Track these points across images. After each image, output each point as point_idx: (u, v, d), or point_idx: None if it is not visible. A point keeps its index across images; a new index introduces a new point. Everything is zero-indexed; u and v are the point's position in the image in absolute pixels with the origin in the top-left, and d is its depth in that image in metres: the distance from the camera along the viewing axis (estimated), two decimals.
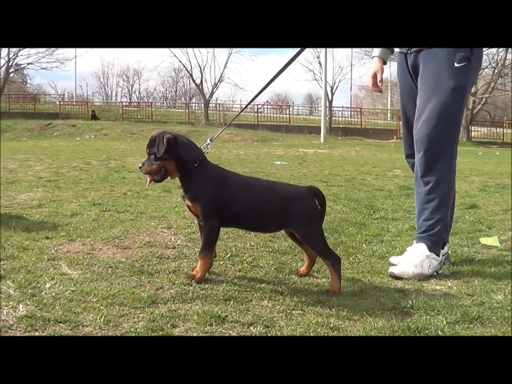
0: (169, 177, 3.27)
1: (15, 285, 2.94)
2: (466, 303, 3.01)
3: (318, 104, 46.66)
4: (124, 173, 9.65)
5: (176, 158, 3.13)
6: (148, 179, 3.20)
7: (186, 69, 43.90)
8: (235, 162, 13.38)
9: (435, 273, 3.60)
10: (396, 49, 3.96)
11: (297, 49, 3.86)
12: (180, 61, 44.51)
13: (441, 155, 3.64)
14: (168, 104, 55.28)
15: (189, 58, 44.11)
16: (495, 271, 3.66)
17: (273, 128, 33.98)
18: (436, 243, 3.69)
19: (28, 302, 2.72)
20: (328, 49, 28.09)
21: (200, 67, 42.24)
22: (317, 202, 3.32)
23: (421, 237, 3.71)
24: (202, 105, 41.91)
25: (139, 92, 72.90)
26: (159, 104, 51.68)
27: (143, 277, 3.20)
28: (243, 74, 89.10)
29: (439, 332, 2.57)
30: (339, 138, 33.20)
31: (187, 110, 41.03)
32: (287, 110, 38.58)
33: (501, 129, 33.93)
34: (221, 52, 53.00)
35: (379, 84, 4.04)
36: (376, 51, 4.07)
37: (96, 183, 7.99)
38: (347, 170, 11.82)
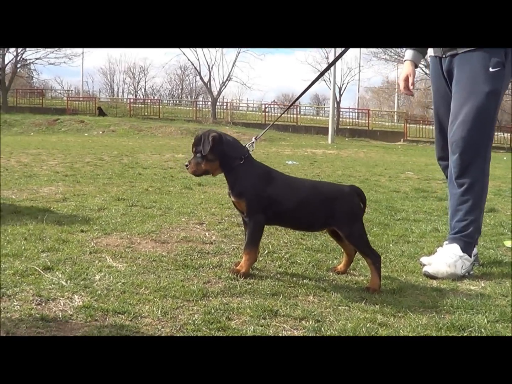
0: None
1: (65, 277, 3.00)
2: (502, 303, 3.06)
3: (324, 104, 46.65)
4: (139, 170, 9.70)
5: (221, 156, 3.20)
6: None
7: (195, 67, 43.79)
8: None
9: (467, 274, 3.65)
10: (430, 53, 4.00)
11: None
12: (188, 59, 44.55)
13: (475, 157, 3.69)
14: (174, 101, 55.34)
15: (197, 56, 44.25)
16: None
17: (281, 128, 33.90)
18: (469, 244, 3.75)
19: (83, 293, 2.78)
20: (337, 49, 27.96)
21: (208, 65, 42.21)
22: (359, 201, 3.38)
23: (455, 238, 3.77)
24: (209, 103, 41.97)
25: (145, 89, 73.07)
26: (166, 101, 51.61)
27: (188, 271, 3.26)
28: (251, 73, 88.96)
29: (482, 330, 2.62)
30: (346, 139, 33.19)
31: (194, 108, 41.02)
32: (295, 110, 38.59)
33: (508, 134, 33.86)
34: (230, 51, 53.05)
35: (411, 87, 4.10)
36: (408, 54, 4.13)
37: (114, 179, 8.04)
38: (360, 171, 11.86)
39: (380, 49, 36.87)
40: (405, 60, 4.18)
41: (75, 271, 3.11)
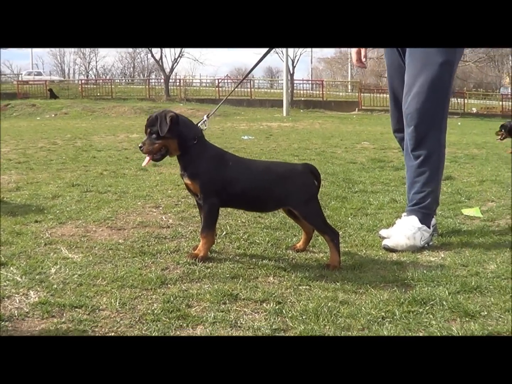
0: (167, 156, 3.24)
1: (20, 272, 2.92)
2: (462, 274, 3.08)
3: (278, 77, 46.53)
4: (93, 153, 9.57)
5: (178, 136, 3.13)
6: (147, 158, 3.19)
7: None
8: None
9: (426, 245, 3.66)
10: None
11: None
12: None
13: (431, 129, 3.69)
14: (127, 80, 54.66)
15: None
16: (483, 241, 3.74)
17: (235, 102, 33.74)
18: (427, 215, 3.76)
19: (38, 288, 2.70)
20: None
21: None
22: (313, 179, 3.35)
23: (413, 210, 3.78)
24: (162, 80, 41.53)
25: (96, 69, 72.20)
26: (118, 81, 50.98)
27: (146, 258, 3.21)
28: (203, 49, 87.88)
29: (444, 303, 2.62)
30: (301, 111, 33.23)
31: (147, 86, 40.56)
32: (248, 84, 38.40)
33: (462, 99, 34.27)
34: None
35: (363, 60, 4.07)
36: None
37: (68, 164, 7.91)
38: (315, 143, 11.86)
39: None
40: None
41: (30, 265, 3.02)
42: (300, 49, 41.48)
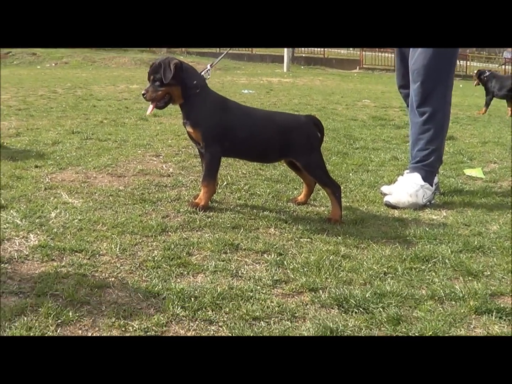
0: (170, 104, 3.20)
1: (20, 215, 2.89)
2: (465, 233, 3.07)
3: None
4: (93, 102, 9.46)
5: (181, 84, 3.08)
6: (151, 106, 3.14)
7: None
8: None
9: (428, 203, 3.64)
10: None
11: None
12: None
13: (437, 85, 3.64)
14: None
15: None
16: (485, 202, 3.72)
17: (235, 56, 33.33)
18: (430, 173, 3.73)
19: (38, 232, 2.68)
20: None
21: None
22: (316, 131, 3.31)
23: (416, 167, 3.74)
24: None
25: None
26: None
27: (146, 205, 3.18)
28: None
29: (446, 261, 2.61)
30: (302, 67, 32.87)
31: None
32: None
33: (464, 61, 33.92)
34: None
35: None
36: None
37: (68, 112, 7.82)
38: (316, 99, 11.76)
39: None
40: None
41: (30, 208, 2.99)
42: None
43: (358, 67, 32.79)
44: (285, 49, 29.05)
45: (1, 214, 2.90)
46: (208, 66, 3.34)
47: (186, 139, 5.40)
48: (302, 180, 3.55)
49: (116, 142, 5.18)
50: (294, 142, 3.20)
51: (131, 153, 4.65)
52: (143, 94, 3.11)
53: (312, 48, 38.39)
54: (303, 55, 36.31)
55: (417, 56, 3.63)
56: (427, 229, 3.05)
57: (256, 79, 19.85)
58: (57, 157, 4.35)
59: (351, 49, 43.83)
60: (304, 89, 15.84)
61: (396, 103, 11.40)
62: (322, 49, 36.52)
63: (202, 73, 3.25)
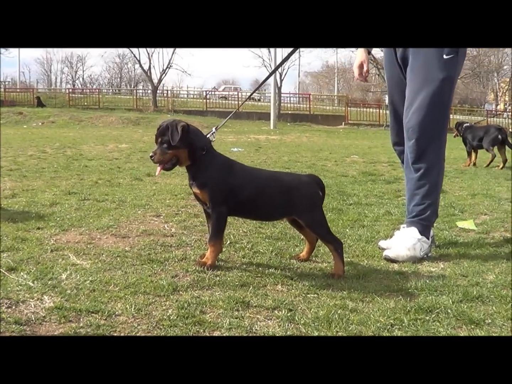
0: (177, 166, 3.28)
1: (31, 277, 2.93)
2: (463, 283, 3.15)
3: (265, 90, 46.66)
4: (84, 162, 9.58)
5: (188, 146, 3.18)
6: (159, 168, 3.21)
7: (134, 55, 43.35)
8: None
9: (425, 256, 3.73)
10: None
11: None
12: (128, 47, 43.99)
13: (431, 142, 3.77)
14: (114, 90, 54.62)
15: None
16: (480, 252, 3.83)
17: (222, 114, 33.79)
18: (427, 227, 3.83)
19: (52, 294, 2.71)
20: None
21: (148, 53, 41.66)
22: (318, 190, 3.41)
23: (413, 221, 3.84)
24: (149, 91, 41.54)
25: (83, 78, 72.12)
26: (105, 90, 50.91)
27: (154, 266, 3.23)
28: (191, 60, 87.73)
29: (449, 311, 2.69)
30: (288, 124, 33.35)
31: (134, 97, 40.54)
32: (236, 96, 38.49)
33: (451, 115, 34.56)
34: None
35: (365, 74, 4.16)
36: None
37: (60, 172, 7.91)
38: (305, 156, 11.94)
39: None
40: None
41: (40, 270, 3.04)
42: (289, 63, 41.59)
43: (343, 123, 33.28)
44: (272, 106, 29.45)
45: (13, 277, 2.94)
46: (213, 129, 3.44)
47: (184, 199, 5.50)
48: (303, 237, 3.63)
49: (114, 202, 5.26)
50: (297, 201, 3.29)
51: (131, 213, 4.72)
52: (151, 156, 3.18)
53: (298, 105, 38.97)
54: (289, 112, 36.82)
55: (411, 114, 3.76)
56: (427, 281, 3.13)
57: (243, 137, 20.11)
58: (58, 219, 4.41)
59: (336, 105, 44.50)
60: (292, 146, 16.05)
61: (384, 158, 11.59)
62: (308, 105, 37.02)
63: (208, 136, 3.35)
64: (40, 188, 6.13)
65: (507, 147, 10.59)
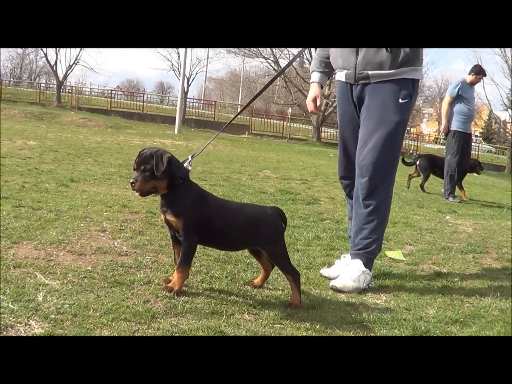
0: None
1: (8, 298, 2.91)
2: (408, 317, 3.42)
3: (169, 93, 46.46)
4: None
5: (169, 176, 3.26)
6: (136, 194, 3.27)
7: (41, 49, 41.83)
8: (103, 151, 13.08)
9: (367, 287, 3.97)
10: (340, 78, 4.24)
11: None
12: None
13: (383, 181, 4.03)
14: (15, 82, 52.84)
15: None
16: (415, 285, 4.14)
17: (126, 115, 33.56)
18: (370, 260, 4.09)
19: (37, 318, 2.71)
20: None
21: (55, 48, 40.45)
22: (281, 222, 3.58)
23: (358, 254, 4.08)
24: (53, 85, 40.46)
25: None
26: (7, 81, 49.15)
27: (123, 289, 3.28)
28: (99, 57, 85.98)
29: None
30: (192, 129, 33.33)
31: (37, 90, 39.38)
32: (140, 97, 38.20)
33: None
34: None
35: (318, 107, 4.39)
36: (315, 77, 4.41)
37: None
38: (218, 167, 11.98)
39: None
40: (312, 82, 4.44)
41: (14, 291, 3.01)
42: (197, 68, 41.49)
43: (247, 132, 33.57)
44: (178, 111, 29.34)
45: None
46: (189, 157, 3.51)
47: (120, 212, 5.53)
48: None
49: (51, 212, 5.19)
50: (262, 232, 3.44)
51: (75, 226, 4.70)
52: (132, 183, 3.21)
53: (202, 111, 39.00)
54: (193, 117, 36.76)
55: (365, 153, 3.98)
56: (378, 314, 3.36)
57: (149, 140, 19.95)
58: (1, 228, 4.33)
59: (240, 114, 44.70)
60: (200, 154, 16.03)
61: (295, 175, 11.89)
62: (213, 112, 37.11)
63: (185, 165, 3.43)
64: None
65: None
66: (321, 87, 4.46)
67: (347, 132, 4.29)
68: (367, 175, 3.99)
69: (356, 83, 4.11)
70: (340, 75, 4.23)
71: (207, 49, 45.75)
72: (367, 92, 4.06)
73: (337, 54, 4.19)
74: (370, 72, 4.00)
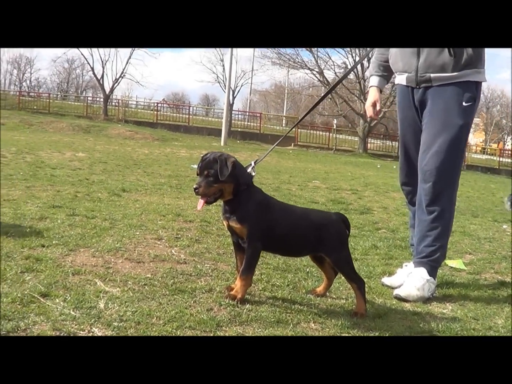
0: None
1: (69, 305, 2.87)
2: (477, 327, 3.27)
3: (214, 105, 46.74)
4: (47, 170, 9.39)
5: (234, 181, 3.18)
6: (201, 200, 3.18)
7: (88, 63, 42.54)
8: (151, 163, 13.19)
9: (431, 296, 3.83)
10: (401, 82, 4.13)
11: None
12: (82, 54, 43.46)
13: (447, 187, 3.89)
14: (62, 96, 53.78)
15: (91, 51, 42.32)
16: (479, 295, 3.99)
17: (172, 127, 33.83)
18: (435, 268, 3.94)
19: (100, 325, 2.66)
20: (233, 50, 28.51)
21: (102, 61, 41.08)
22: (345, 228, 3.47)
23: (422, 262, 3.94)
24: (99, 99, 41.05)
25: (30, 81, 70.93)
26: (55, 95, 50.04)
27: (185, 296, 3.22)
28: (144, 70, 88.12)
29: None
30: (238, 141, 33.46)
31: (84, 104, 40.00)
32: (186, 110, 38.47)
33: (395, 142, 35.26)
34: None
35: (377, 113, 4.28)
36: (374, 81, 4.30)
37: (30, 181, 7.71)
38: (267, 178, 11.96)
39: (275, 55, 37.30)
40: (370, 86, 4.33)
41: (74, 298, 2.97)
42: (242, 81, 41.56)
43: (293, 144, 33.52)
44: (224, 123, 29.51)
45: (49, 304, 2.88)
46: (252, 163, 3.44)
47: (175, 220, 5.50)
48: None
49: (106, 220, 5.19)
50: (326, 238, 3.34)
51: (131, 234, 4.67)
52: (195, 189, 3.14)
53: (248, 123, 39.14)
54: (239, 129, 36.91)
55: (429, 158, 3.86)
56: (447, 324, 3.22)
57: (196, 152, 20.04)
58: (57, 235, 4.34)
59: (283, 125, 44.84)
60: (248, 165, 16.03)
61: (345, 185, 11.78)
62: (258, 124, 37.22)
63: (249, 170, 3.35)
64: (21, 199, 6.00)
65: None
66: (380, 91, 4.35)
67: (408, 137, 4.16)
68: (431, 180, 3.86)
69: (417, 87, 3.99)
70: (401, 79, 4.11)
71: (251, 61, 46.02)
72: (429, 96, 3.94)
73: (397, 57, 4.08)
74: (432, 75, 3.87)
